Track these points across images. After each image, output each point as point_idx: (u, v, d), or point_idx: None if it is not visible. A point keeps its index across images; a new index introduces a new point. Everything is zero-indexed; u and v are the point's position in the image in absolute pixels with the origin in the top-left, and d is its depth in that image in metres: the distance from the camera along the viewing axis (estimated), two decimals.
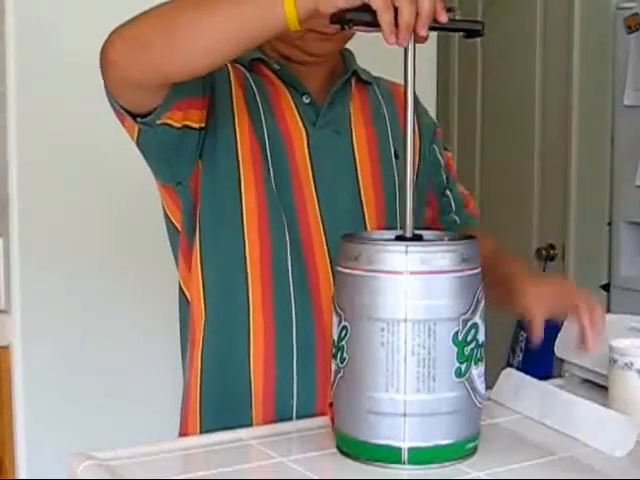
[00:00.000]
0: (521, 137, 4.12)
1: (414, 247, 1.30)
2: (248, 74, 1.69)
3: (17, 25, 2.63)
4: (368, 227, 1.70)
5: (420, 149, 1.82)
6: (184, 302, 1.73)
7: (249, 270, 1.64)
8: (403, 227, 1.37)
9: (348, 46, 1.77)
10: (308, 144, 1.68)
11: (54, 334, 2.70)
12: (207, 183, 1.64)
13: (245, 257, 1.64)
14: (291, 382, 1.64)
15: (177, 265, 1.73)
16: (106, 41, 1.46)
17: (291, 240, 1.64)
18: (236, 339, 1.64)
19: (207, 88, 1.60)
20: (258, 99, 1.67)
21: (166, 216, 1.74)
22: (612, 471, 1.34)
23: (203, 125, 1.61)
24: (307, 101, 1.69)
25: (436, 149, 1.87)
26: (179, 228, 1.70)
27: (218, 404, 1.67)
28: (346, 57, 1.79)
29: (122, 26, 1.45)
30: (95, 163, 2.72)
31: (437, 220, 1.87)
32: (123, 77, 1.49)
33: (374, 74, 1.85)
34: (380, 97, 1.81)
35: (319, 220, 1.66)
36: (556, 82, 3.95)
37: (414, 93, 1.39)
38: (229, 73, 1.66)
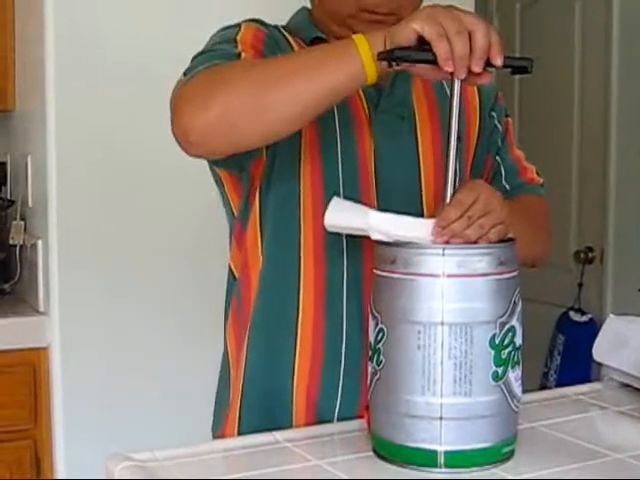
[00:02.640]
0: (559, 138, 4.10)
1: (451, 250, 1.30)
2: None
3: (56, 30, 2.65)
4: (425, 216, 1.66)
5: (481, 119, 1.78)
6: (231, 279, 1.72)
7: (302, 270, 1.62)
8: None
9: None
10: (371, 129, 1.64)
11: (92, 335, 2.72)
12: (270, 169, 1.63)
13: (300, 256, 1.62)
14: (336, 389, 1.63)
15: (230, 248, 1.73)
16: (179, 113, 1.41)
17: (347, 239, 1.61)
18: (284, 337, 1.63)
19: None
20: None
21: (224, 199, 1.72)
22: None
23: None
24: None
25: (495, 115, 1.82)
26: (235, 213, 1.69)
27: (259, 406, 1.66)
28: None
29: (194, 100, 1.39)
30: (135, 165, 2.73)
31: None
32: (206, 153, 1.49)
33: None
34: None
35: None
36: (595, 83, 3.93)
37: (459, 117, 1.39)
38: None
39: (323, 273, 1.62)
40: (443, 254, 1.29)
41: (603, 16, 3.86)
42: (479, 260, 1.30)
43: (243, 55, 1.52)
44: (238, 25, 1.63)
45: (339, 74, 1.38)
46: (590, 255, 3.98)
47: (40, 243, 2.80)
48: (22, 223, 3.04)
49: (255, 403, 1.66)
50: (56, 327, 2.70)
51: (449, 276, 1.29)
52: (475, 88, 1.78)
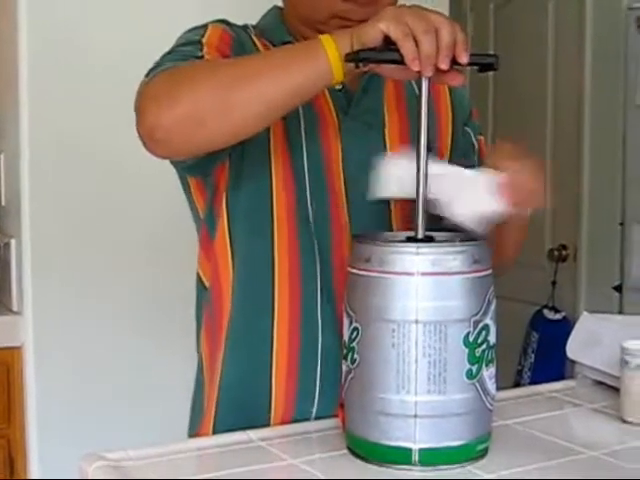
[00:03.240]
0: (533, 137, 4.11)
1: (425, 248, 1.30)
2: None
3: (29, 29, 2.64)
4: (394, 222, 1.65)
5: (453, 135, 1.77)
6: (201, 287, 1.70)
7: (277, 267, 1.61)
8: (415, 228, 1.36)
9: None
10: (340, 135, 1.63)
11: (66, 335, 2.71)
12: (235, 171, 1.61)
13: (273, 263, 1.60)
14: (313, 388, 1.62)
15: (198, 254, 1.71)
16: (144, 112, 1.40)
17: (319, 240, 1.61)
18: (259, 344, 1.62)
19: None
20: None
21: (191, 204, 1.71)
22: (627, 472, 1.33)
23: None
24: (339, 88, 1.64)
25: (470, 132, 1.82)
26: (202, 217, 1.68)
27: (236, 410, 1.65)
28: None
29: (158, 98, 1.39)
30: (108, 164, 2.72)
31: None
32: (171, 154, 1.48)
33: None
34: (413, 82, 1.71)
35: (346, 220, 1.62)
36: (568, 82, 3.95)
37: (427, 130, 1.39)
38: None
39: (298, 279, 1.61)
40: (417, 252, 1.29)
41: (576, 15, 3.88)
42: (453, 258, 1.30)
43: (207, 58, 1.51)
44: (205, 26, 1.61)
45: (305, 73, 1.38)
46: (564, 253, 4.00)
47: (13, 242, 2.78)
48: None
49: (232, 407, 1.65)
50: (29, 326, 2.68)
51: (423, 274, 1.29)
52: (449, 100, 1.78)
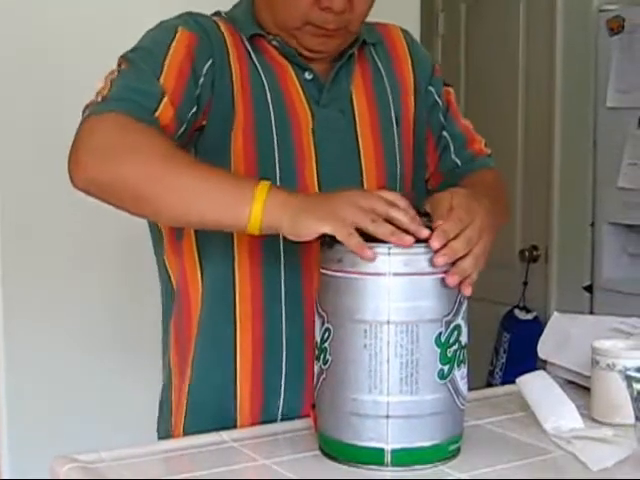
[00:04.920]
0: (504, 138, 4.13)
1: (397, 249, 1.30)
2: (251, 50, 1.64)
3: None
4: None
5: (416, 101, 1.77)
6: (169, 288, 1.70)
7: (237, 261, 1.61)
8: None
9: None
10: (313, 124, 1.63)
11: (36, 337, 2.69)
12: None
13: (234, 265, 1.61)
14: (279, 385, 1.63)
15: (162, 248, 1.70)
16: (79, 163, 1.45)
17: (284, 238, 1.57)
18: (225, 341, 1.63)
19: (200, 112, 1.58)
20: (263, 77, 1.62)
21: None
22: (594, 473, 1.34)
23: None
24: (310, 77, 1.64)
25: (433, 90, 1.80)
26: None
27: (205, 408, 1.65)
28: None
29: (95, 155, 1.43)
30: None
31: (438, 171, 1.80)
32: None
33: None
34: (378, 60, 1.75)
35: None
36: (539, 84, 3.97)
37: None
38: (230, 67, 1.61)
39: (260, 279, 1.61)
40: (389, 253, 1.29)
41: (547, 17, 3.90)
42: (425, 259, 1.31)
43: (164, 102, 1.50)
44: (174, 29, 1.59)
45: (225, 219, 1.40)
46: (535, 254, 4.02)
47: None
48: None
49: (200, 409, 1.66)
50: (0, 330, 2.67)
51: (395, 275, 1.29)
52: (410, 65, 1.77)
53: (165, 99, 1.50)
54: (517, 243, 4.08)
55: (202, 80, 1.56)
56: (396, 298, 1.30)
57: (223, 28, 1.65)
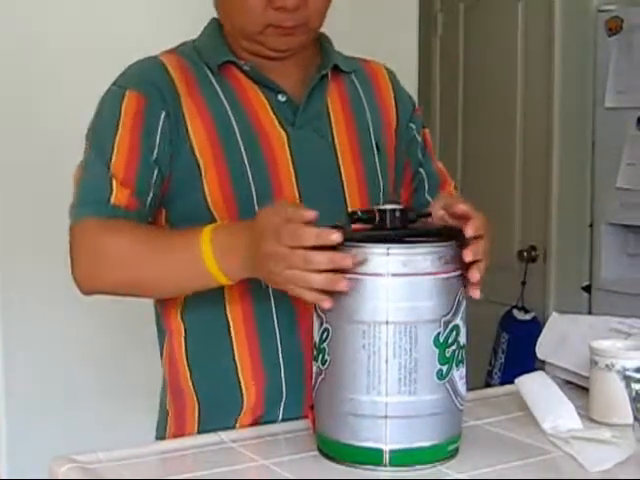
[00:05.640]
0: (502, 139, 4.13)
1: (396, 249, 1.30)
2: (215, 80, 1.64)
3: None
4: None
5: (398, 134, 1.79)
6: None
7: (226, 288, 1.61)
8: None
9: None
10: (289, 147, 1.63)
11: (34, 336, 2.69)
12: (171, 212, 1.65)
13: None
14: (280, 386, 1.63)
15: None
16: (74, 270, 1.59)
17: None
18: (219, 347, 1.63)
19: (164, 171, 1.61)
20: (227, 106, 1.63)
21: None
22: (593, 473, 1.34)
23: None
24: (283, 99, 1.65)
25: (414, 127, 1.82)
26: None
27: (207, 407, 1.66)
28: (325, 47, 1.74)
29: (83, 264, 1.58)
30: (70, 166, 2.70)
31: (410, 201, 1.82)
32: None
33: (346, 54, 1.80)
34: (358, 86, 1.76)
35: None
36: (537, 85, 3.97)
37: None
38: (183, 112, 1.61)
39: (249, 296, 1.62)
40: (388, 253, 1.30)
41: (545, 17, 3.89)
42: (424, 259, 1.31)
43: (115, 187, 1.57)
44: (122, 95, 1.61)
45: (201, 285, 1.52)
46: (533, 254, 4.01)
47: None
48: None
49: (201, 409, 1.66)
50: None
51: (394, 275, 1.29)
52: (393, 99, 1.80)
53: (115, 184, 1.57)
54: (516, 243, 4.07)
55: (158, 139, 1.59)
56: (395, 298, 1.30)
57: (172, 68, 1.64)
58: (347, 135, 1.70)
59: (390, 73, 1.84)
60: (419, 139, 1.83)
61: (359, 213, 1.38)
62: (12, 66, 2.65)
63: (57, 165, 2.64)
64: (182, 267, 1.50)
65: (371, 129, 1.73)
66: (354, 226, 1.39)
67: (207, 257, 1.45)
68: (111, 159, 1.57)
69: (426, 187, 1.83)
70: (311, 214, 1.32)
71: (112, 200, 1.56)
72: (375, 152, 1.72)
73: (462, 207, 1.41)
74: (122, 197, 1.56)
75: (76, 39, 2.69)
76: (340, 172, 1.68)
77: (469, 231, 1.35)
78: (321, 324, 1.36)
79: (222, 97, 1.63)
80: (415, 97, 3.03)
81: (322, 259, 1.30)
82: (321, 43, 1.74)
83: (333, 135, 1.69)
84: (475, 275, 1.36)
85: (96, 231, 1.55)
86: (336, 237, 1.29)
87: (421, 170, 1.83)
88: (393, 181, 1.78)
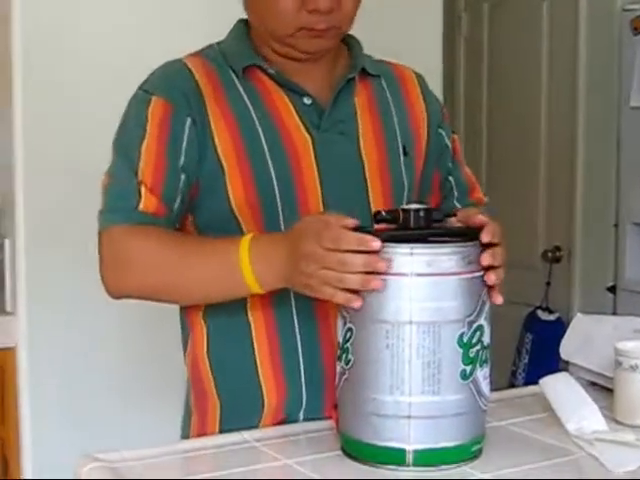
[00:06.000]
0: (527, 139, 4.12)
1: (420, 249, 1.30)
2: (240, 83, 1.64)
3: (23, 28, 2.63)
4: None
5: (428, 139, 1.78)
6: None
7: None
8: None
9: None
10: (314, 150, 1.63)
11: (59, 335, 2.71)
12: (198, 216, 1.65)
13: None
14: (300, 393, 1.63)
15: None
16: (102, 272, 1.61)
17: None
18: (241, 349, 1.63)
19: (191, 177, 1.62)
20: (251, 109, 1.63)
21: None
22: (616, 475, 1.33)
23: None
24: (308, 102, 1.64)
25: (443, 133, 1.82)
26: None
27: (230, 409, 1.66)
28: (353, 49, 1.73)
29: (110, 268, 1.60)
30: (102, 164, 2.72)
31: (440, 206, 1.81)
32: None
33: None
34: (386, 90, 1.75)
35: None
36: (562, 84, 3.95)
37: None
38: (208, 116, 1.61)
39: (270, 299, 1.61)
40: (412, 253, 1.29)
41: (570, 16, 3.88)
42: (448, 259, 1.31)
43: (144, 194, 1.57)
44: (148, 100, 1.61)
45: (230, 294, 1.54)
46: (558, 254, 4.00)
47: (7, 243, 2.77)
48: None
49: (225, 410, 1.66)
50: (23, 327, 2.68)
51: (418, 275, 1.29)
52: (423, 104, 1.79)
53: (144, 191, 1.58)
54: (540, 243, 4.06)
55: (184, 145, 1.60)
56: (418, 298, 1.30)
57: (197, 71, 1.64)
58: (374, 139, 1.69)
59: (419, 77, 1.83)
60: (449, 145, 1.83)
61: (383, 213, 1.38)
62: (57, 80, 2.67)
63: (84, 167, 2.66)
64: (214, 274, 1.52)
65: (398, 133, 1.73)
66: (378, 226, 1.39)
67: (244, 265, 1.46)
68: (138, 166, 1.58)
69: (455, 195, 1.83)
70: (352, 221, 1.34)
71: (140, 207, 1.57)
72: (402, 156, 1.72)
73: (479, 218, 1.40)
74: (150, 204, 1.57)
75: (122, 50, 2.71)
76: (365, 176, 1.67)
77: (485, 237, 1.35)
78: (345, 324, 1.36)
79: (246, 100, 1.63)
80: (439, 97, 3.04)
81: (358, 261, 1.31)
82: (349, 46, 1.73)
83: (359, 138, 1.68)
84: (492, 278, 1.35)
85: (124, 237, 1.57)
86: (377, 245, 1.30)
87: (450, 178, 1.83)
88: (419, 186, 1.77)
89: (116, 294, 1.62)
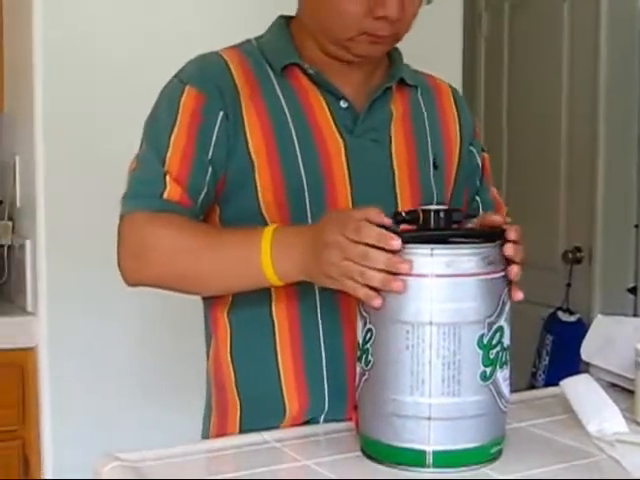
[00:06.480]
0: (548, 139, 4.11)
1: (440, 250, 1.30)
2: (277, 80, 1.63)
3: (44, 30, 2.65)
4: None
5: (460, 154, 1.79)
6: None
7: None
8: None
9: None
10: (346, 154, 1.62)
11: (80, 336, 2.72)
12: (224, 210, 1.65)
13: None
14: (323, 398, 1.63)
15: None
16: (120, 260, 1.61)
17: None
18: (263, 350, 1.64)
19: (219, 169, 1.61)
20: (285, 108, 1.62)
21: None
22: (637, 477, 1.33)
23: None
24: (344, 106, 1.64)
25: (474, 151, 1.82)
26: None
27: (251, 410, 1.66)
28: (394, 58, 1.74)
29: (129, 256, 1.59)
30: (123, 165, 2.72)
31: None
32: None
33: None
34: (421, 101, 1.75)
35: None
36: (583, 85, 3.94)
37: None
38: (242, 111, 1.61)
39: (294, 294, 1.62)
40: (432, 254, 1.29)
41: (591, 16, 3.86)
42: (468, 260, 1.30)
43: (168, 182, 1.57)
44: (182, 89, 1.61)
45: (248, 284, 1.54)
46: (578, 255, 3.98)
47: (28, 243, 2.79)
48: (10, 223, 3.03)
49: (246, 411, 1.67)
50: (44, 327, 2.69)
51: (438, 276, 1.29)
52: (457, 119, 1.79)
53: (169, 180, 1.58)
54: (560, 244, 4.04)
55: (214, 138, 1.59)
56: (438, 299, 1.29)
57: (234, 65, 1.64)
58: (405, 150, 1.69)
59: (454, 91, 1.84)
60: (479, 164, 1.83)
61: (403, 214, 1.38)
62: (77, 81, 2.68)
63: (105, 167, 2.67)
64: (233, 264, 1.51)
65: (430, 145, 1.73)
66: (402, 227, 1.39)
67: (264, 256, 1.46)
68: (166, 155, 1.58)
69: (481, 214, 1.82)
70: (377, 212, 1.34)
71: (165, 195, 1.57)
72: (432, 168, 1.71)
73: (495, 218, 1.41)
74: (175, 193, 1.57)
75: (139, 51, 2.72)
76: (395, 185, 1.67)
77: (512, 234, 1.35)
78: (365, 324, 1.36)
79: (281, 98, 1.63)
80: None
81: (380, 258, 1.30)
82: (390, 54, 1.73)
83: (391, 147, 1.68)
84: (514, 271, 1.35)
85: (145, 223, 1.56)
86: (396, 243, 1.29)
87: (477, 198, 1.84)
88: (451, 201, 1.76)
89: (133, 281, 1.62)
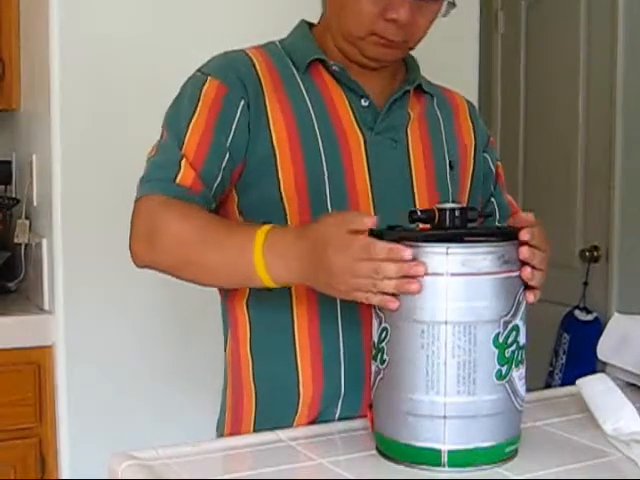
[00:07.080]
0: (565, 137, 4.09)
1: (455, 249, 1.30)
2: (301, 77, 1.67)
3: (61, 29, 2.65)
4: None
5: (474, 160, 1.82)
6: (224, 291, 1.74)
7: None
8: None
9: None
10: (366, 150, 1.65)
11: (97, 334, 2.72)
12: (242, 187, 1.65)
13: None
14: (339, 388, 1.63)
15: None
16: (132, 243, 1.62)
17: None
18: (282, 343, 1.64)
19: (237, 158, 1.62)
20: (309, 103, 1.65)
21: None
22: None
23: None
24: (366, 104, 1.67)
25: (488, 158, 1.86)
26: None
27: (263, 404, 1.67)
28: (410, 65, 1.78)
29: (140, 240, 1.59)
30: (140, 164, 2.73)
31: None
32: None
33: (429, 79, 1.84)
34: (437, 109, 1.79)
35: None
36: (600, 82, 3.92)
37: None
38: (265, 105, 1.63)
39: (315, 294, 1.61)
40: (447, 253, 1.29)
41: (608, 13, 3.85)
42: (483, 259, 1.30)
43: (183, 166, 1.58)
44: (204, 80, 1.63)
45: (245, 283, 1.56)
46: (595, 254, 3.97)
47: (45, 242, 2.80)
48: (27, 222, 3.04)
49: (261, 409, 1.67)
50: (61, 325, 2.70)
51: (453, 275, 1.29)
52: (471, 128, 1.83)
53: (185, 164, 1.59)
54: (578, 243, 4.03)
55: (234, 126, 1.60)
56: (454, 298, 1.29)
57: (259, 62, 1.67)
58: (422, 149, 1.72)
59: (470, 105, 1.88)
60: (493, 170, 1.86)
61: (418, 212, 1.38)
62: (94, 80, 2.69)
63: (121, 166, 2.68)
64: (232, 262, 1.50)
65: (446, 149, 1.76)
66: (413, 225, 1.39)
67: (257, 259, 1.45)
68: (184, 140, 1.60)
69: (497, 217, 1.85)
70: (372, 219, 1.33)
71: (178, 179, 1.58)
72: (448, 169, 1.74)
73: (526, 217, 1.40)
74: (188, 178, 1.58)
75: (156, 50, 2.73)
76: (412, 182, 1.69)
77: (524, 235, 1.34)
78: (380, 323, 1.36)
79: (305, 93, 1.66)
80: (476, 95, 3.03)
81: (393, 268, 1.30)
82: (407, 63, 1.77)
83: (408, 147, 1.70)
84: (527, 272, 1.34)
85: (158, 207, 1.57)
86: (407, 254, 1.29)
87: (492, 200, 1.86)
88: (467, 201, 1.78)
89: (142, 263, 1.61)
